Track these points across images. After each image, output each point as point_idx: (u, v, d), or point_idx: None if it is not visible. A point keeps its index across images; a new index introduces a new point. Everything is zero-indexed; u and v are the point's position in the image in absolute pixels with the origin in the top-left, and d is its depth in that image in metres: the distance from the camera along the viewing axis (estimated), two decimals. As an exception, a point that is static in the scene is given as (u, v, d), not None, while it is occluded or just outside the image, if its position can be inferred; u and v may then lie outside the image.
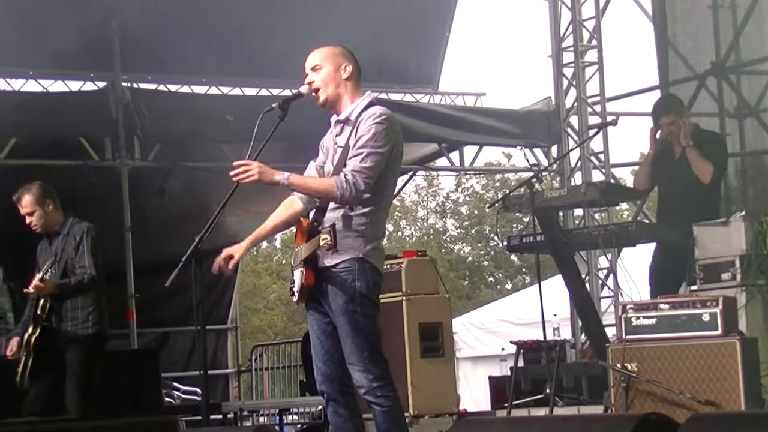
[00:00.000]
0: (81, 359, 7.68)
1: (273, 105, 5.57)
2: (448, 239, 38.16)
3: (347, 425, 5.54)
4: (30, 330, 7.67)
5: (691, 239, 8.12)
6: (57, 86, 11.76)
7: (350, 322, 5.40)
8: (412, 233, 37.49)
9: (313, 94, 5.60)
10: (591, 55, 12.43)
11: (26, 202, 7.81)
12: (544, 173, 11.97)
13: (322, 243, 5.31)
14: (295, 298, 5.59)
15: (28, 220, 7.84)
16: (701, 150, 8.57)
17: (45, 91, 11.67)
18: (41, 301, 7.68)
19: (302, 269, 5.46)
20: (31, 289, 7.68)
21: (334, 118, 5.67)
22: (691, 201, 8.47)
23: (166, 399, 11.93)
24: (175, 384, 13.09)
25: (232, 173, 5.40)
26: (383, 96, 12.46)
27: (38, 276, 7.65)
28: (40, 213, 7.82)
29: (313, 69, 5.59)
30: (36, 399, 7.70)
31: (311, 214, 5.59)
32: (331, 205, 5.50)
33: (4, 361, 7.87)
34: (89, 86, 11.71)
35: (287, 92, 10.67)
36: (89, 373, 7.72)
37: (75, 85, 11.78)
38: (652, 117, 8.85)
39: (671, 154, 8.73)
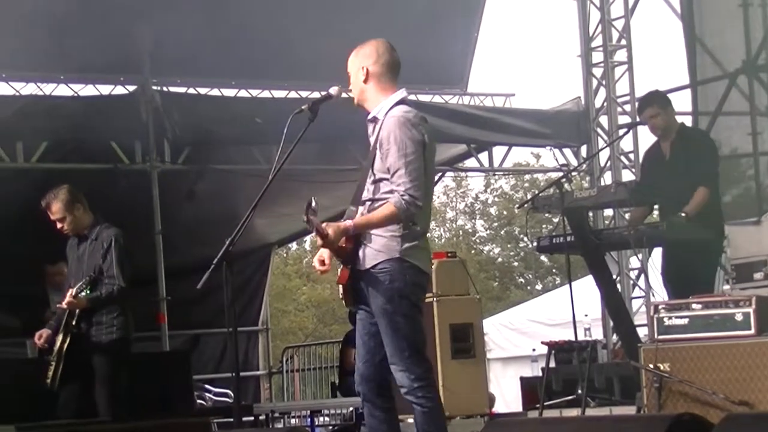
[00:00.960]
0: (108, 364, 7.72)
1: (302, 107, 5.60)
2: (477, 240, 38.10)
3: (382, 427, 5.56)
4: (61, 338, 7.72)
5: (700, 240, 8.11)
6: (87, 90, 11.81)
7: (389, 323, 5.43)
8: (441, 234, 37.44)
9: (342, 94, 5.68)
10: (620, 55, 12.40)
11: (56, 208, 7.83)
12: (573, 173, 11.95)
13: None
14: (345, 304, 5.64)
15: (59, 225, 7.87)
16: (688, 150, 8.50)
17: (75, 95, 11.72)
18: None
19: (339, 268, 5.51)
20: (64, 305, 7.73)
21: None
22: (685, 201, 8.37)
23: (198, 401, 11.97)
24: (207, 386, 13.13)
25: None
26: (412, 97, 12.43)
27: (71, 292, 7.68)
28: (71, 218, 7.85)
29: (349, 76, 5.69)
30: (66, 403, 7.75)
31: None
32: (376, 206, 5.49)
33: (37, 364, 7.93)
34: (119, 90, 11.75)
35: (316, 94, 10.73)
36: (117, 377, 7.76)
37: (105, 90, 11.82)
38: (638, 111, 8.86)
39: (662, 154, 8.69)
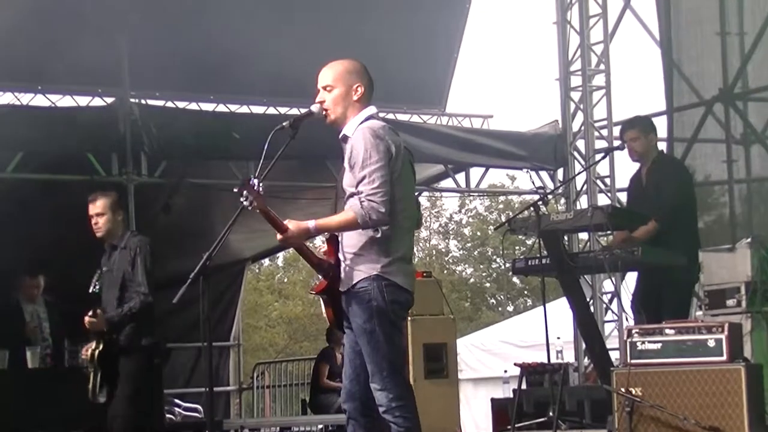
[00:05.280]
0: (128, 366, 7.80)
1: (284, 123, 5.58)
2: (450, 260, 38.15)
3: None
4: (94, 345, 7.79)
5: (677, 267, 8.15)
6: (65, 101, 11.78)
7: (369, 341, 5.43)
8: (414, 254, 37.48)
9: (323, 112, 5.62)
10: (599, 80, 12.46)
11: (101, 203, 7.99)
12: (549, 196, 11.99)
13: None
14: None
15: (94, 220, 7.98)
16: (660, 175, 8.55)
17: (53, 106, 11.69)
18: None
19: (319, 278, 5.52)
20: (86, 324, 7.77)
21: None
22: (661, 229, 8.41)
23: (168, 416, 11.91)
24: (176, 400, 13.06)
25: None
26: (390, 116, 12.48)
27: (90, 313, 7.74)
28: (109, 218, 7.98)
29: (325, 88, 5.60)
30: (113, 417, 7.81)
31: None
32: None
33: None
34: (97, 102, 11.73)
35: (295, 111, 10.72)
36: (138, 379, 7.83)
37: (83, 101, 11.80)
38: (620, 132, 8.91)
39: (641, 181, 8.75)
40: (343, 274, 5.51)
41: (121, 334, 7.82)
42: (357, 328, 5.46)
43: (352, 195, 5.48)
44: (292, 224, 5.41)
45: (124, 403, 7.73)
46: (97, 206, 8.00)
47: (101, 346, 7.75)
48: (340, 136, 5.63)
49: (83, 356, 7.93)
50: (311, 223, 5.44)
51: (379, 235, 5.46)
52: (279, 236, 5.44)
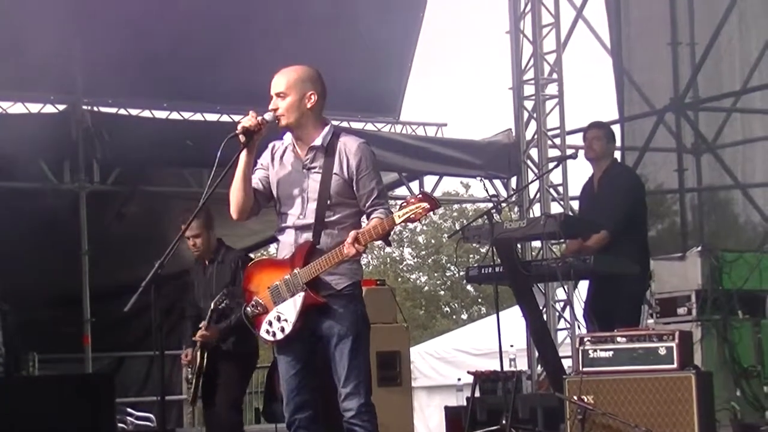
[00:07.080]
0: (232, 371, 8.01)
1: (237, 131, 5.57)
2: (404, 268, 38.18)
3: None
4: (199, 353, 7.95)
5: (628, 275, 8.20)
6: (17, 108, 11.68)
7: (353, 345, 5.46)
8: (369, 261, 37.48)
9: (276, 120, 5.61)
10: (552, 88, 12.52)
11: (195, 225, 7.93)
12: (503, 205, 12.04)
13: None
14: (285, 332, 5.51)
15: (192, 242, 8.05)
16: (612, 183, 8.61)
17: (4, 112, 11.59)
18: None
19: (303, 292, 5.44)
20: (198, 338, 7.93)
21: (288, 139, 5.65)
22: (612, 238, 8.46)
23: (119, 425, 11.83)
24: (129, 409, 12.97)
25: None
26: (344, 124, 12.49)
27: (204, 325, 7.91)
28: (205, 237, 8.06)
29: (278, 95, 5.59)
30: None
31: (300, 237, 5.56)
32: (336, 230, 5.50)
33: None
34: (49, 108, 11.64)
35: (249, 119, 10.63)
36: (239, 386, 8.13)
37: (35, 108, 11.70)
38: (584, 131, 8.96)
39: (593, 189, 8.82)
40: (324, 279, 5.47)
41: (225, 343, 7.95)
42: (341, 332, 5.46)
43: (338, 204, 5.52)
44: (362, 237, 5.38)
45: (225, 411, 8.02)
46: (193, 228, 7.96)
47: (206, 354, 7.92)
48: (314, 144, 5.58)
49: (184, 363, 8.09)
50: (362, 236, 5.39)
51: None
52: (353, 251, 5.37)
